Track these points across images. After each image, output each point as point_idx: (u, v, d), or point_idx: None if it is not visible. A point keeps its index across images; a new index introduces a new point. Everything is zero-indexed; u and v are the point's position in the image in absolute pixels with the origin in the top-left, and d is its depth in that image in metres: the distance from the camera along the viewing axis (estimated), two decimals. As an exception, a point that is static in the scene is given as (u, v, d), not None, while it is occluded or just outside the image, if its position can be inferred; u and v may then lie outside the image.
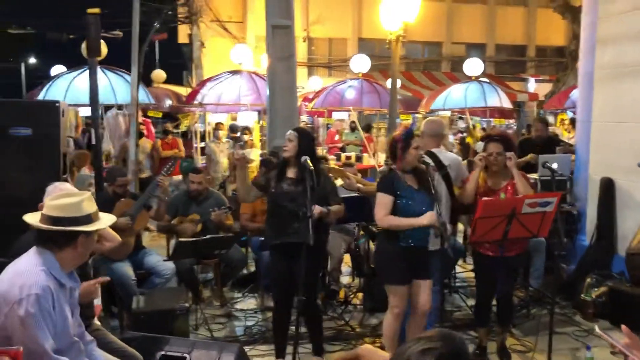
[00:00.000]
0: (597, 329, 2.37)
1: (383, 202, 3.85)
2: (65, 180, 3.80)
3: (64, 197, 2.55)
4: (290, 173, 4.05)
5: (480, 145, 4.15)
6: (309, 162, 3.85)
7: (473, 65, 13.83)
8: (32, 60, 39.11)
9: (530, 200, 3.68)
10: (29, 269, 2.38)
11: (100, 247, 3.48)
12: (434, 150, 4.44)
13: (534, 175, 6.67)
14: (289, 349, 4.10)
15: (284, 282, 4.06)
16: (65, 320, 2.42)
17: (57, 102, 3.65)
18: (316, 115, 16.78)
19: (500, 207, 3.61)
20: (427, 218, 3.67)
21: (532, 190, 4.11)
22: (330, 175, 6.07)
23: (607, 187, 5.84)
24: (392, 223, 3.82)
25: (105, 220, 2.64)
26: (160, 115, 13.46)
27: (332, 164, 7.40)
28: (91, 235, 2.54)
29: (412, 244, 3.83)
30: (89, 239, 2.55)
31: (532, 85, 24.09)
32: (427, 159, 3.95)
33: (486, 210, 3.56)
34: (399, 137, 3.88)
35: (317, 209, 3.81)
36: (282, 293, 4.13)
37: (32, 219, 2.51)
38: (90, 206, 2.55)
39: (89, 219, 2.51)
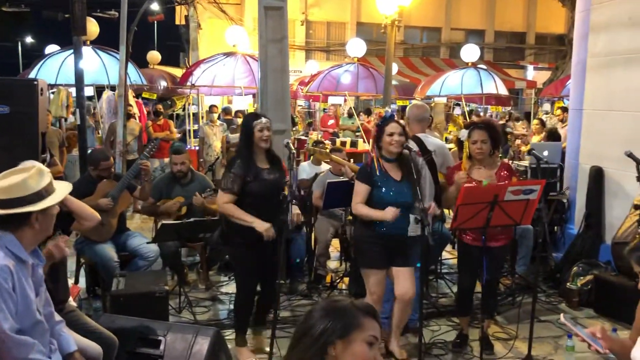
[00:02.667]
0: (562, 318, 2.36)
1: (358, 190, 3.84)
2: (44, 160, 3.74)
3: (8, 176, 2.45)
4: (263, 163, 3.93)
5: (464, 133, 4.06)
6: (290, 145, 3.82)
7: (470, 52, 13.75)
8: (29, 39, 38.89)
9: (514, 188, 3.63)
10: None
11: (79, 226, 3.43)
12: (419, 135, 4.39)
13: (524, 163, 6.66)
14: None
15: (256, 269, 4.02)
16: (27, 299, 2.37)
17: (35, 80, 3.59)
18: (311, 100, 16.72)
19: (482, 194, 3.56)
20: (389, 213, 3.62)
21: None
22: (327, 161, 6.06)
23: (597, 176, 5.81)
24: (361, 212, 3.81)
25: (58, 194, 2.52)
26: (154, 96, 13.37)
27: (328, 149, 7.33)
28: (47, 211, 2.46)
29: (384, 231, 3.81)
30: (47, 215, 2.46)
31: (530, 73, 24.04)
32: (411, 144, 3.89)
33: (468, 197, 3.52)
34: (374, 126, 3.82)
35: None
36: (253, 280, 4.10)
37: None
38: (37, 182, 2.44)
39: (38, 196, 2.42)
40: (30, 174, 2.45)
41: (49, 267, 2.87)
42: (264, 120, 3.86)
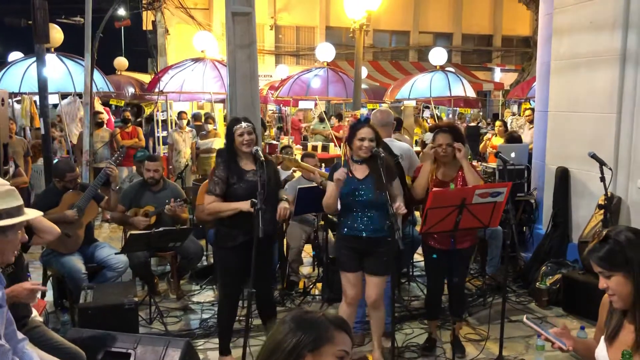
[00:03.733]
0: (524, 319, 2.39)
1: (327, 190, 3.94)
2: (7, 172, 3.65)
3: None
4: (247, 165, 3.95)
5: (429, 136, 4.11)
6: (260, 152, 3.81)
7: (438, 55, 13.88)
8: (-9, 46, 38.00)
9: (481, 191, 3.68)
10: None
11: (40, 240, 3.34)
12: (385, 139, 4.41)
13: (492, 165, 6.75)
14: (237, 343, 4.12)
15: (237, 276, 4.00)
16: None
17: (-5, 90, 3.50)
18: (282, 104, 16.69)
19: (450, 198, 3.60)
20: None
21: (481, 180, 4.11)
22: (293, 169, 6.05)
23: (563, 177, 5.92)
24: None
25: (27, 214, 2.42)
26: (122, 103, 13.16)
27: (298, 155, 7.33)
28: (6, 232, 2.35)
29: (344, 232, 3.88)
30: (6, 237, 2.35)
31: (498, 75, 24.42)
32: (379, 150, 3.91)
33: (436, 201, 3.54)
34: (347, 128, 3.86)
35: (282, 206, 3.92)
36: (235, 287, 4.07)
37: None
38: (7, 201, 2.35)
39: (2, 214, 2.31)
40: (3, 191, 2.37)
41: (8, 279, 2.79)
42: (244, 124, 3.88)
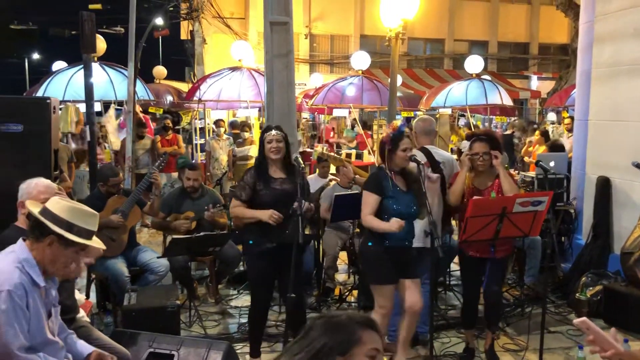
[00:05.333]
0: (574, 321, 2.36)
1: (368, 201, 3.81)
2: (56, 177, 3.79)
3: (73, 203, 2.58)
4: (277, 173, 4.00)
5: (465, 144, 4.09)
6: (300, 160, 3.86)
7: (474, 63, 13.76)
8: (36, 56, 39.32)
9: (522, 200, 3.66)
10: (3, 265, 2.38)
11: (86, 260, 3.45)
12: (427, 146, 4.42)
13: (531, 174, 6.67)
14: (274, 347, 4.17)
15: (269, 282, 4.05)
16: (39, 317, 2.41)
17: (48, 98, 3.65)
18: (316, 112, 16.77)
19: (491, 206, 3.59)
20: (394, 225, 3.60)
21: (519, 189, 4.08)
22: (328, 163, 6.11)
23: (604, 186, 5.82)
24: (371, 224, 3.78)
25: (85, 240, 2.52)
26: (161, 111, 13.45)
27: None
28: (67, 246, 2.47)
29: (387, 244, 3.80)
30: (65, 249, 2.47)
31: (534, 83, 24.07)
32: (419, 157, 3.93)
33: (477, 209, 3.54)
34: (386, 138, 3.84)
35: (307, 205, 3.85)
36: (267, 292, 4.13)
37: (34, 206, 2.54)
38: (84, 221, 2.51)
39: (69, 227, 2.45)
40: (89, 212, 2.55)
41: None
42: (273, 132, 3.95)
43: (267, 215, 3.77)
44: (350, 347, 1.53)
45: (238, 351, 4.42)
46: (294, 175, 3.85)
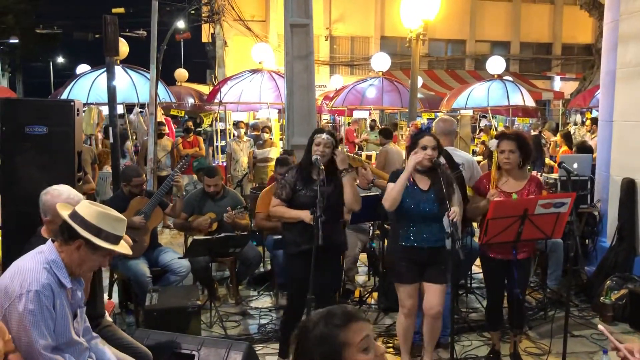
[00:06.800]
0: (599, 327, 2.32)
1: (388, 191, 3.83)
2: (80, 179, 3.85)
3: (106, 209, 2.61)
4: (317, 175, 3.98)
5: (493, 143, 4.03)
6: (319, 161, 3.85)
7: (496, 64, 13.67)
8: (60, 59, 40.02)
9: (544, 201, 3.61)
10: (32, 265, 2.43)
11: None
12: (447, 148, 4.38)
13: (554, 175, 6.59)
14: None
15: (302, 282, 4.05)
16: (65, 317, 2.45)
17: (72, 101, 3.69)
18: (336, 114, 16.78)
19: (512, 208, 3.55)
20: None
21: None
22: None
23: (629, 188, 5.72)
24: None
25: (112, 245, 2.57)
26: (182, 114, 13.59)
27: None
28: (95, 251, 2.52)
29: (405, 244, 3.80)
30: (93, 253, 2.52)
31: (557, 84, 23.77)
32: (440, 158, 3.89)
33: (497, 211, 3.50)
34: (408, 137, 3.84)
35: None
36: (299, 292, 4.12)
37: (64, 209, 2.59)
38: (112, 227, 2.55)
39: (98, 232, 2.50)
40: (118, 218, 2.60)
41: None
42: (324, 135, 3.95)
43: (307, 216, 3.78)
44: (341, 353, 1.53)
45: (258, 352, 4.44)
46: (323, 175, 3.83)
